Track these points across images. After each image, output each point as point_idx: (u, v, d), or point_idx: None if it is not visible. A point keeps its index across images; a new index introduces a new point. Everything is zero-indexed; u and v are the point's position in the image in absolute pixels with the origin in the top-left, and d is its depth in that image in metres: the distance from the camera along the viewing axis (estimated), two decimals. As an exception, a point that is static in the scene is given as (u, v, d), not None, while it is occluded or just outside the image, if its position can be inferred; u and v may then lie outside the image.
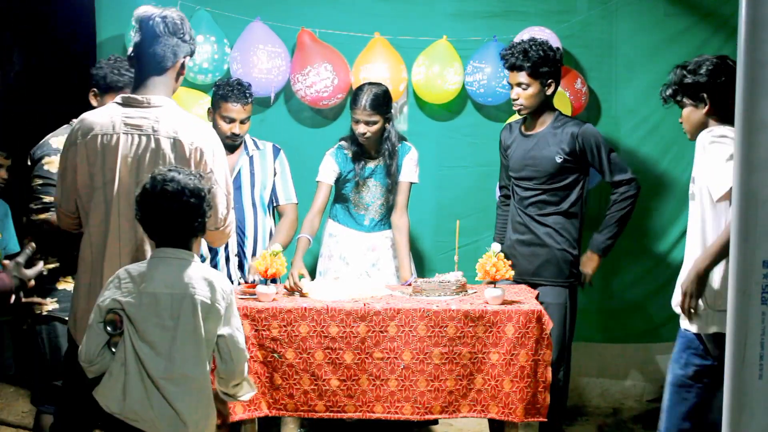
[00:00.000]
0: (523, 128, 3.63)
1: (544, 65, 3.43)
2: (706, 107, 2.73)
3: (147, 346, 2.22)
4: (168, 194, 2.24)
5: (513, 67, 3.46)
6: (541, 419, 3.00)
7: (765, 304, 1.58)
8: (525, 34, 4.01)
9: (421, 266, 4.08)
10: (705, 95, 2.72)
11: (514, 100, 3.51)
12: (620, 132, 4.27)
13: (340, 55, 4.12)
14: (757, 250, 1.57)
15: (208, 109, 3.61)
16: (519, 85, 3.46)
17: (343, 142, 3.73)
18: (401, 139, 3.72)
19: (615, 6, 4.22)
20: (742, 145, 1.59)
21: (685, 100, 2.79)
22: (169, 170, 2.29)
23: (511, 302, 3.09)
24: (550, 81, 3.47)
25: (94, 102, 3.16)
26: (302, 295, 3.23)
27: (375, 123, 3.58)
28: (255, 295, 3.13)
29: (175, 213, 2.26)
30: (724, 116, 2.69)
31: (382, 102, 3.58)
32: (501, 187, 3.80)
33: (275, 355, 3.02)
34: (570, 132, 3.48)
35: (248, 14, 4.10)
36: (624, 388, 4.47)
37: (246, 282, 3.46)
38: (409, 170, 3.69)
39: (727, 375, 1.63)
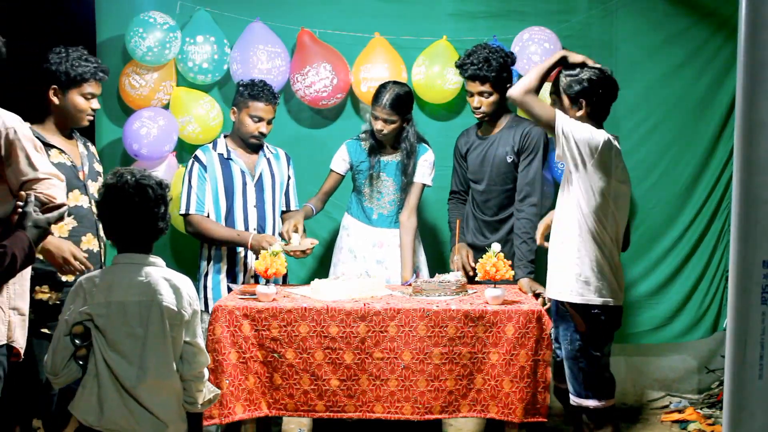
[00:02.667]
0: (479, 132, 3.71)
1: (504, 71, 3.51)
2: (581, 111, 2.96)
3: (118, 355, 2.21)
4: (126, 196, 2.23)
5: (476, 78, 3.51)
6: (541, 419, 3.00)
7: (765, 304, 1.58)
8: (525, 34, 4.02)
9: (429, 263, 4.07)
10: (583, 101, 2.96)
11: (476, 108, 3.58)
12: (620, 132, 4.25)
13: (340, 55, 4.12)
14: (757, 250, 1.57)
15: (232, 108, 3.65)
16: (481, 93, 3.54)
17: (362, 134, 3.80)
18: (420, 140, 3.75)
19: (615, 6, 4.21)
20: (742, 145, 1.59)
21: (563, 101, 3.02)
22: (131, 168, 2.30)
23: (511, 302, 3.08)
24: (508, 85, 3.52)
25: (56, 100, 3.15)
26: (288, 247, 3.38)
27: (393, 122, 3.63)
28: (255, 295, 3.13)
29: (144, 210, 2.25)
30: (597, 121, 2.99)
31: (403, 103, 3.63)
32: (452, 192, 3.88)
33: (275, 355, 3.02)
34: (521, 131, 3.56)
35: (248, 14, 4.10)
36: (623, 388, 4.47)
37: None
38: (422, 171, 3.73)
39: (727, 375, 1.63)
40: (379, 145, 3.73)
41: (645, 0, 4.24)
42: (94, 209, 3.14)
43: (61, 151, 3.17)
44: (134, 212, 2.25)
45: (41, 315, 3.05)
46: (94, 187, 3.24)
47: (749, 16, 1.57)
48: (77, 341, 2.21)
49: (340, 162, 3.78)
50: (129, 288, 2.23)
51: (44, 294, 3.07)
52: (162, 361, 2.24)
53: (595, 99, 2.97)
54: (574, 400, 3.01)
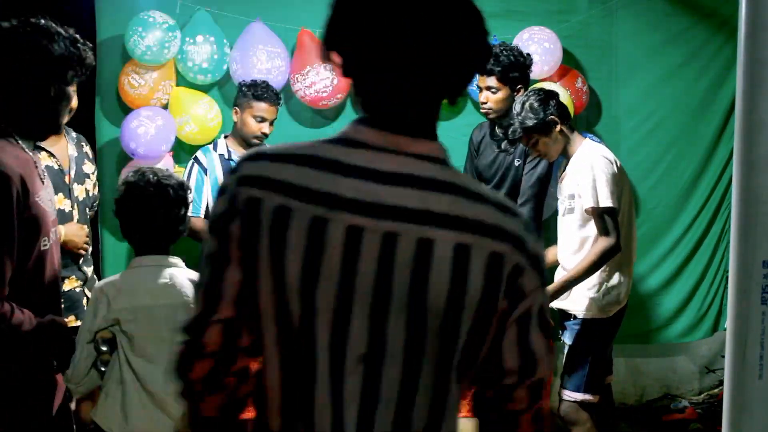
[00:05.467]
0: (493, 131, 3.67)
1: (514, 70, 3.44)
2: (557, 127, 3.02)
3: (145, 360, 2.15)
4: (151, 197, 2.18)
5: (483, 71, 3.49)
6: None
7: (765, 304, 1.58)
8: (525, 34, 4.01)
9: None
10: (552, 120, 3.00)
11: (483, 103, 3.53)
12: (620, 132, 4.26)
13: (340, 56, 4.11)
14: (757, 250, 1.57)
15: (234, 108, 3.64)
16: (488, 88, 3.48)
17: None
18: None
19: (615, 6, 4.21)
20: (742, 145, 1.59)
21: (535, 136, 3.05)
22: (153, 168, 2.26)
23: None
24: (519, 86, 3.48)
25: None
26: None
27: None
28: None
29: (163, 212, 2.20)
30: (567, 122, 3.06)
31: None
32: None
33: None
34: None
35: (248, 14, 4.09)
36: (623, 388, 4.47)
37: None
38: None
39: (727, 375, 1.63)
40: None
41: (645, 0, 4.23)
42: (76, 213, 3.16)
43: (51, 154, 3.15)
44: (153, 213, 2.20)
45: None
46: (79, 190, 3.23)
47: (749, 16, 1.57)
48: (103, 348, 2.16)
49: None
50: (154, 291, 2.18)
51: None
52: None
53: (555, 112, 3.00)
54: (568, 395, 3.01)
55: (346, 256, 1.07)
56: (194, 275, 2.26)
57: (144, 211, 2.21)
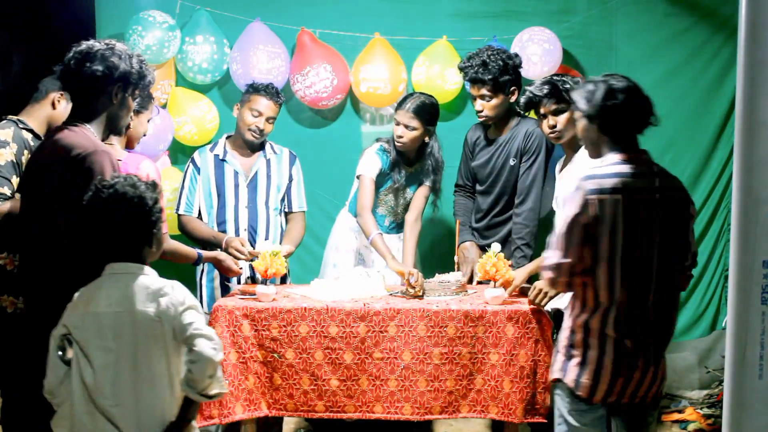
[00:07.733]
0: (488, 133, 3.67)
1: (505, 74, 3.44)
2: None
3: (93, 371, 2.09)
4: (107, 203, 2.13)
5: (474, 81, 3.47)
6: (540, 420, 3.00)
7: (765, 304, 1.58)
8: (525, 34, 4.02)
9: (421, 266, 4.07)
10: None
11: (479, 111, 3.53)
12: (620, 132, 4.27)
13: (340, 56, 4.11)
14: (757, 250, 1.58)
15: (236, 105, 3.68)
16: (482, 97, 3.49)
17: (384, 144, 3.71)
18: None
19: (615, 6, 4.22)
20: (742, 145, 1.59)
21: (564, 106, 2.99)
22: (113, 178, 2.20)
23: (511, 302, 3.08)
24: (513, 88, 3.48)
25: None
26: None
27: (414, 129, 3.56)
28: (255, 295, 3.13)
29: (117, 223, 2.14)
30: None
31: (426, 111, 3.57)
32: (458, 186, 3.86)
33: (275, 355, 3.02)
34: (524, 130, 3.52)
35: (248, 14, 4.10)
36: (624, 388, 4.46)
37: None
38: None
39: (727, 375, 1.63)
40: (401, 158, 3.67)
41: (645, 0, 4.24)
42: None
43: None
44: (101, 226, 2.16)
45: None
46: None
47: (749, 16, 1.58)
48: (61, 354, 2.11)
49: (374, 168, 3.65)
50: (107, 298, 2.12)
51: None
52: (137, 375, 2.11)
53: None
54: None
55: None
56: (156, 282, 2.17)
57: (94, 222, 2.17)
